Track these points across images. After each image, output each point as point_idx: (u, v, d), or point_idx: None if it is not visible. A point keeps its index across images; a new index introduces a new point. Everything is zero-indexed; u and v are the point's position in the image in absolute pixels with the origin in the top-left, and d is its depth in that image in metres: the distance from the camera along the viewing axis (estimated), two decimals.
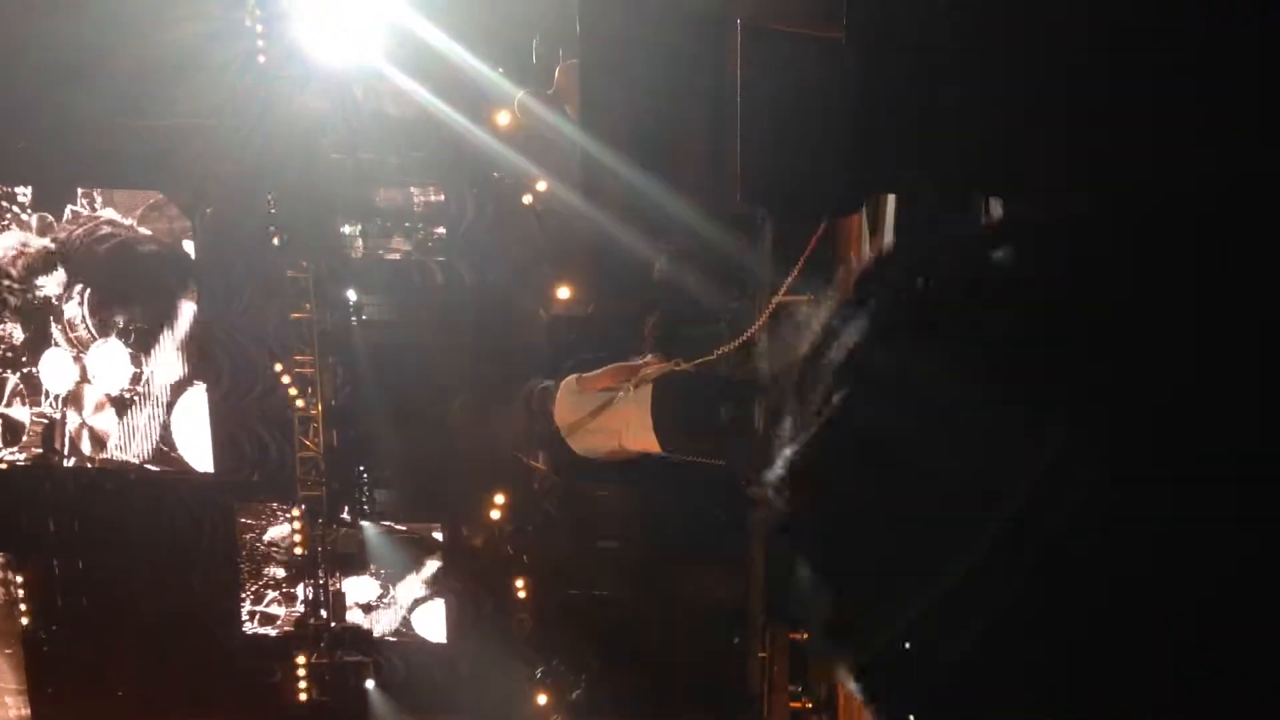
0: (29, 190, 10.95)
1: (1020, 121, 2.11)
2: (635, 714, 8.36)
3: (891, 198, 2.98)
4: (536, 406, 5.87)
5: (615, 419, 5.51)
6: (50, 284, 11.18)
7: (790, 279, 5.42)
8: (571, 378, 5.75)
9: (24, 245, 11.04)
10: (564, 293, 8.58)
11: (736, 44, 3.33)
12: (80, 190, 10.90)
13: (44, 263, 11.09)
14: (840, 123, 2.63)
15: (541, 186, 8.76)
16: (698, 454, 5.80)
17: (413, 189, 10.69)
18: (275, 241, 10.52)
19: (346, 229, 10.84)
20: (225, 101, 10.13)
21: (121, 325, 11.19)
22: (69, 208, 10.95)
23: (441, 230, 10.72)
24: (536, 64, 8.78)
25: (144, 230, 10.93)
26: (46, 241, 11.03)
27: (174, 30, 9.79)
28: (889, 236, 3.04)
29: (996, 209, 2.36)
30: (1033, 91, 1.96)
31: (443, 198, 10.63)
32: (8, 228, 11.04)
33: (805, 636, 6.60)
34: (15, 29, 9.79)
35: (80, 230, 11.00)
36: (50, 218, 10.99)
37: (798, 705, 6.01)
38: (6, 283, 11.14)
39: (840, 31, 3.09)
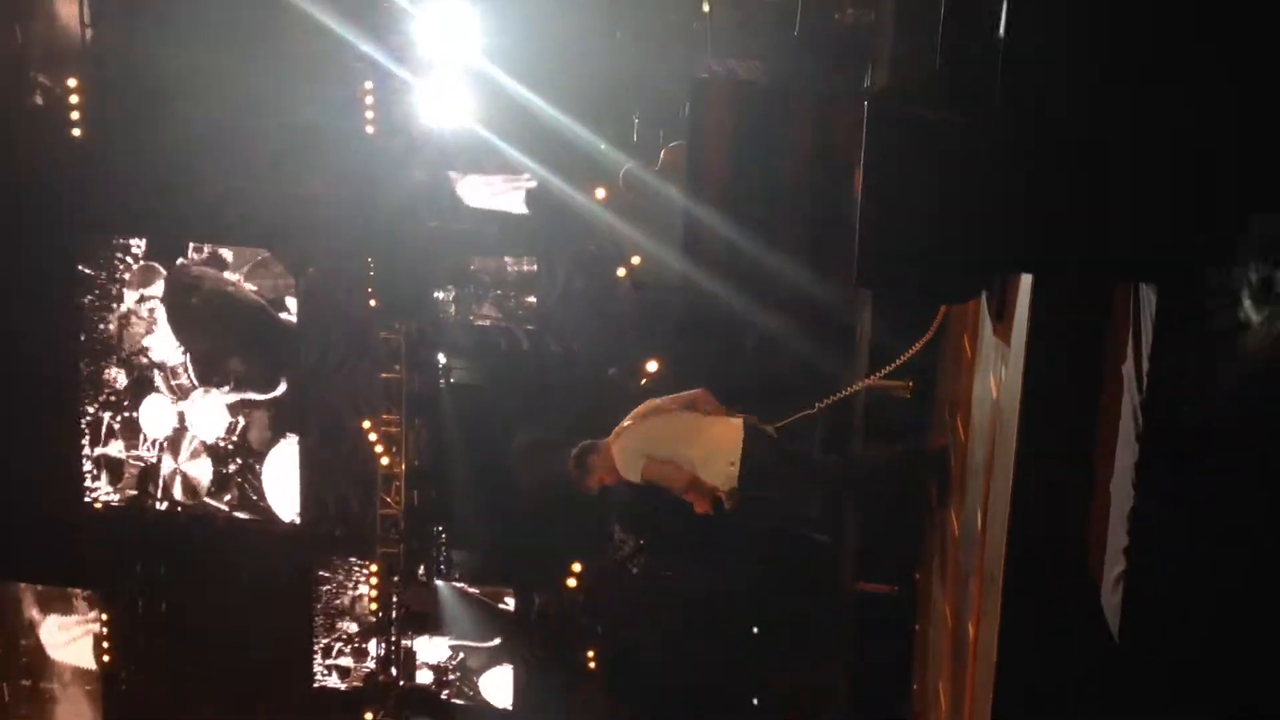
0: (143, 242, 11.43)
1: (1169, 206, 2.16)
2: None
3: (1026, 281, 3.02)
4: (578, 462, 5.68)
5: (698, 446, 5.42)
6: (157, 332, 11.59)
7: (894, 364, 5.47)
8: (649, 403, 5.69)
9: (138, 295, 11.50)
10: (653, 366, 8.68)
11: (861, 127, 3.39)
12: (191, 245, 11.35)
13: (152, 312, 11.53)
14: (978, 206, 2.70)
15: (636, 260, 8.93)
16: (774, 505, 5.76)
17: (507, 259, 10.97)
18: (372, 303, 10.84)
19: (440, 294, 11.12)
20: (333, 171, 10.55)
21: (221, 376, 11.54)
22: (179, 260, 11.40)
23: (532, 299, 10.95)
24: (637, 141, 9.03)
25: (250, 285, 11.33)
26: (155, 289, 11.47)
27: (287, 102, 10.30)
28: (1024, 321, 3.07)
29: (1148, 295, 2.41)
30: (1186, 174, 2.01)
31: (535, 268, 10.88)
32: (123, 277, 11.51)
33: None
34: (155, 102, 10.36)
35: (189, 281, 11.43)
36: (161, 269, 11.45)
37: None
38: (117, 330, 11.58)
39: (965, 116, 3.17)
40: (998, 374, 3.75)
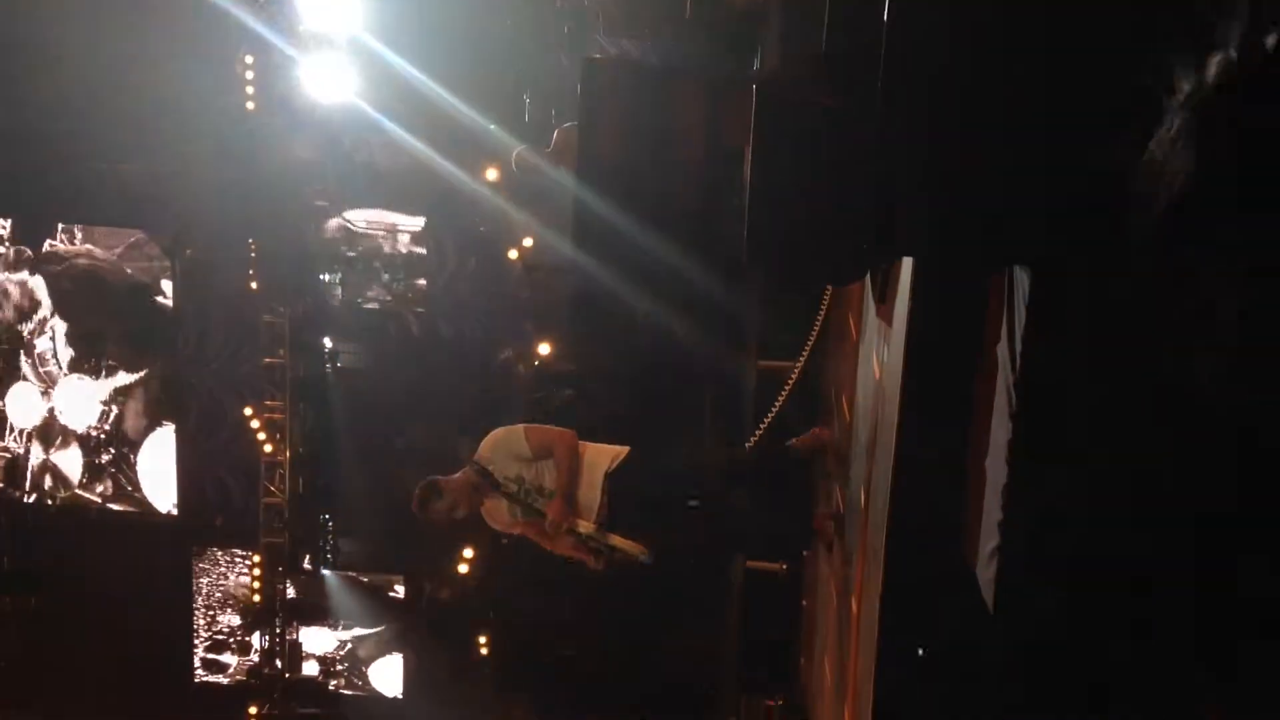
0: (8, 223, 10.90)
1: (1041, 192, 2.22)
2: None
3: (907, 264, 3.08)
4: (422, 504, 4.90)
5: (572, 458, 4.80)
6: (24, 317, 11.09)
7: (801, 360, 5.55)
8: (519, 427, 4.95)
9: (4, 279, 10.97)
10: (545, 348, 8.64)
11: (750, 112, 3.43)
12: (60, 226, 10.87)
13: (18, 295, 11.01)
14: (860, 190, 2.74)
15: (528, 242, 8.86)
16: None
17: (396, 239, 10.77)
18: (254, 286, 10.54)
19: (326, 277, 10.88)
20: (211, 147, 10.20)
21: (93, 362, 11.10)
22: (48, 242, 10.91)
23: (422, 281, 10.79)
24: (529, 120, 8.94)
25: (124, 268, 10.90)
26: (23, 274, 10.96)
27: (160, 76, 9.89)
28: (904, 305, 3.14)
29: (1022, 278, 2.48)
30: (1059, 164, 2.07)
31: (424, 250, 10.72)
32: None
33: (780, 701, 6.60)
34: (17, 75, 9.85)
35: (58, 264, 10.95)
36: (28, 251, 10.94)
37: None
38: None
39: (852, 101, 3.22)
40: (881, 355, 3.83)
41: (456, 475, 4.89)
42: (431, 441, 10.02)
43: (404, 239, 10.70)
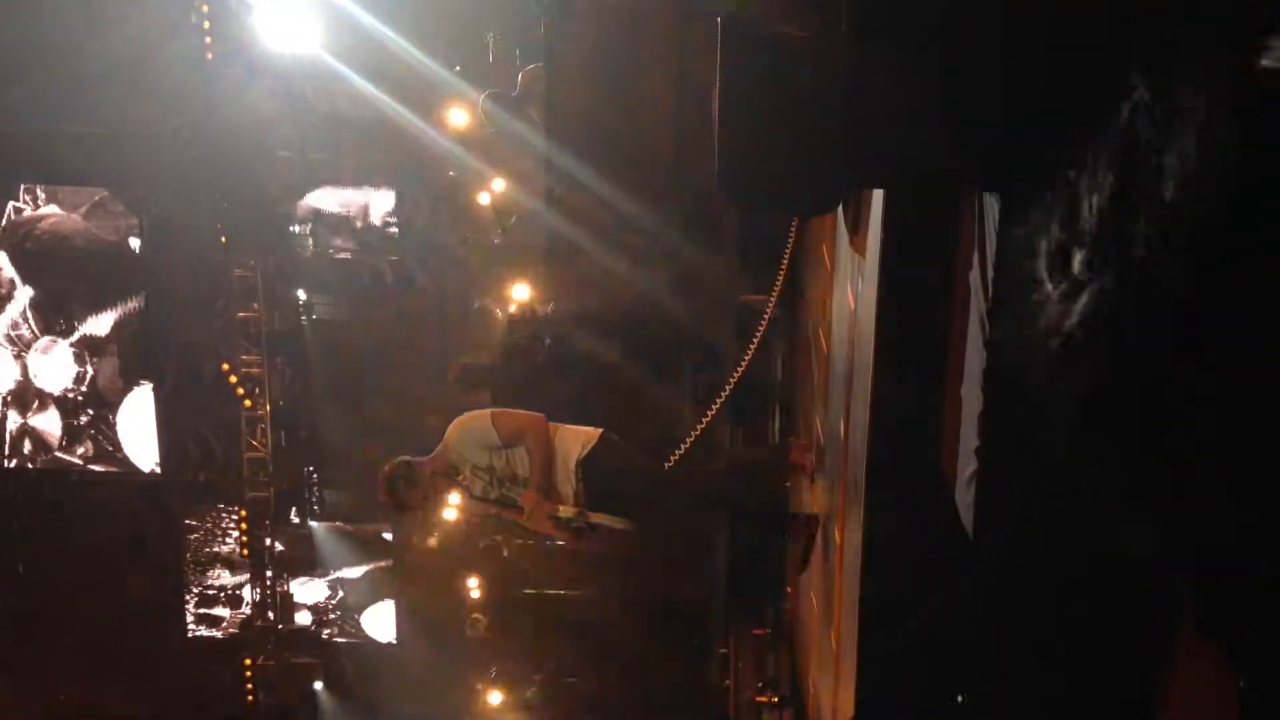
0: None
1: (1020, 118, 2.21)
2: (592, 713, 8.41)
3: (879, 194, 3.07)
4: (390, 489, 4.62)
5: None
6: None
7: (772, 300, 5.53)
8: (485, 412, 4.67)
9: None
10: (522, 291, 8.60)
11: (716, 43, 3.39)
12: (23, 186, 10.68)
13: None
14: (830, 120, 2.72)
15: (499, 186, 8.77)
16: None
17: (365, 188, 10.66)
18: (223, 240, 10.42)
19: (296, 228, 10.76)
20: (170, 99, 10.01)
21: (64, 324, 10.98)
22: (10, 204, 10.72)
23: (394, 230, 10.70)
24: (494, 63, 8.81)
25: (90, 227, 10.75)
26: None
27: (114, 30, 9.65)
28: (877, 233, 3.13)
29: (991, 204, 2.48)
30: (1034, 89, 2.06)
31: (394, 198, 10.62)
32: None
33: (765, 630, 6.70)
34: None
35: (22, 227, 10.78)
36: None
37: (763, 700, 6.10)
38: None
39: (820, 31, 3.19)
40: (855, 286, 3.83)
41: (427, 460, 4.58)
42: (408, 393, 10.01)
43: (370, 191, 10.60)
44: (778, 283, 5.48)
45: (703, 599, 8.48)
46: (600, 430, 4.67)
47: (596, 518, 4.56)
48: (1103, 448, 2.73)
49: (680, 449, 5.16)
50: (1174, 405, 2.17)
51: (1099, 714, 2.87)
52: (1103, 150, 2.18)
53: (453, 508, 4.60)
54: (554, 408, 5.67)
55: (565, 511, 4.50)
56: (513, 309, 8.63)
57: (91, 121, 10.04)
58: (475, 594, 9.89)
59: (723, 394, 5.65)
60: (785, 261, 5.28)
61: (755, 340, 5.73)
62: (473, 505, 4.73)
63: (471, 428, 4.56)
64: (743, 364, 5.67)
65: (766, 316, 5.73)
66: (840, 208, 3.75)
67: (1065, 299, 2.60)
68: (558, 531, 4.65)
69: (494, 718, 9.43)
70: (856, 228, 3.59)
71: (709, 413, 5.54)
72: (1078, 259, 2.53)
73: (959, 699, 3.20)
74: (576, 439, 4.62)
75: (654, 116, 6.06)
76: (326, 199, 10.59)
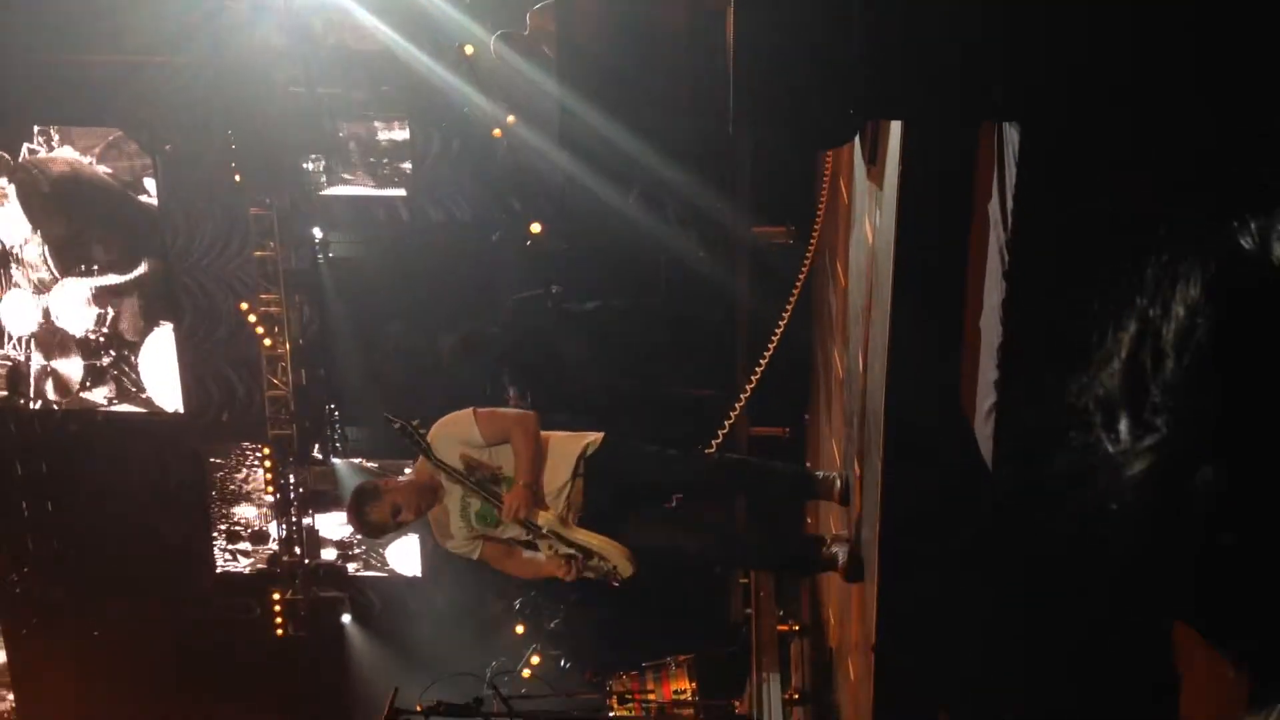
0: None
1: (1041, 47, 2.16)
2: (615, 645, 8.53)
3: (896, 125, 3.02)
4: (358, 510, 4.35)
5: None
6: (9, 223, 10.96)
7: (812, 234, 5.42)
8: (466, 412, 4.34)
9: None
10: (537, 227, 8.56)
11: None
12: (37, 128, 10.65)
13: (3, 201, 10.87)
14: (847, 48, 2.66)
15: (511, 119, 8.69)
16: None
17: (377, 124, 10.57)
18: (237, 179, 10.38)
19: (309, 165, 10.70)
20: (176, 34, 9.89)
21: (84, 266, 11.03)
22: (25, 146, 10.70)
23: (407, 166, 10.62)
24: None
25: (104, 169, 10.73)
26: (3, 180, 10.79)
27: None
28: (895, 164, 3.08)
29: (1011, 134, 2.43)
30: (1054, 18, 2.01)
31: (407, 133, 10.52)
32: None
33: None
34: None
35: (38, 169, 10.77)
36: (7, 156, 10.74)
37: (784, 628, 6.17)
38: None
39: None
40: (873, 218, 3.79)
41: (401, 479, 4.42)
42: (426, 330, 10.02)
43: (382, 127, 10.50)
44: (816, 225, 5.31)
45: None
46: (604, 434, 4.39)
47: (581, 535, 4.21)
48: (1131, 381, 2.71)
49: (717, 437, 5.03)
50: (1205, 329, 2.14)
51: (1120, 643, 2.89)
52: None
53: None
54: (563, 377, 5.57)
55: (544, 519, 4.19)
56: (529, 243, 8.58)
57: (100, 58, 9.96)
58: None
59: (762, 362, 5.44)
60: (824, 192, 5.12)
61: (795, 295, 5.53)
62: (446, 527, 4.34)
63: (451, 426, 4.26)
64: (780, 326, 5.50)
65: (806, 264, 5.54)
66: (857, 139, 3.70)
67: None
68: (547, 568, 4.32)
69: (519, 648, 9.58)
70: (874, 159, 3.53)
71: (746, 390, 5.37)
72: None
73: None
74: (577, 441, 4.37)
75: (669, 55, 5.94)
76: (339, 135, 10.51)
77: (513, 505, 4.15)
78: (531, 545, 4.39)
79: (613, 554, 4.24)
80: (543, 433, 4.31)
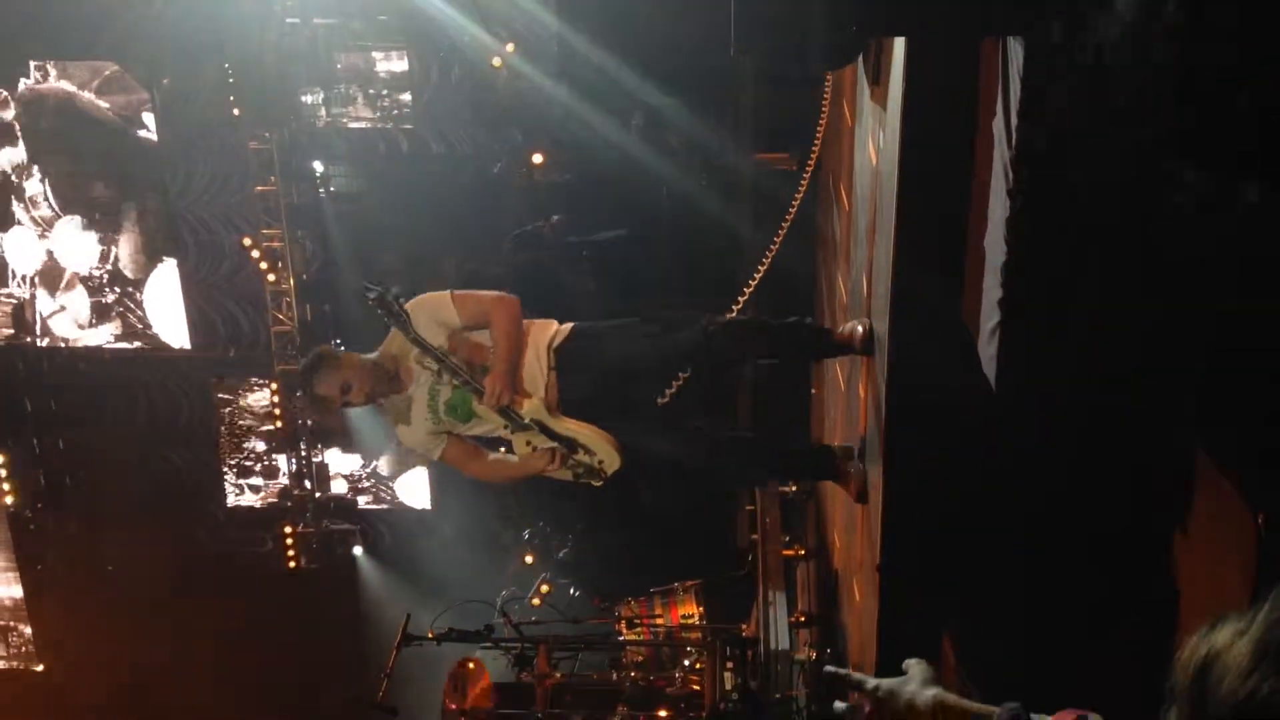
0: None
1: None
2: (623, 572, 8.64)
3: (900, 43, 2.98)
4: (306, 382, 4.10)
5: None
6: (8, 159, 10.90)
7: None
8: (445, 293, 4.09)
9: None
10: (538, 158, 8.49)
11: None
12: (33, 63, 10.54)
13: (1, 138, 10.79)
14: None
15: (510, 48, 8.59)
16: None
17: (375, 55, 10.44)
18: (235, 113, 10.29)
19: (308, 98, 10.59)
20: None
21: (85, 201, 10.99)
22: (22, 81, 10.60)
23: (407, 97, 10.51)
24: None
25: (102, 103, 10.63)
26: (6, 109, 10.70)
27: None
28: (899, 84, 3.04)
29: (1015, 49, 2.39)
30: None
31: (406, 64, 10.40)
32: None
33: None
34: None
35: (36, 104, 10.67)
36: (4, 92, 10.65)
37: (790, 553, 6.24)
38: None
39: None
40: (877, 139, 3.76)
41: (364, 356, 4.10)
42: (427, 261, 10.00)
43: (380, 57, 10.36)
44: (814, 148, 5.22)
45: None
46: (572, 324, 4.15)
47: (568, 425, 3.96)
48: (1135, 298, 2.71)
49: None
50: (1205, 251, 2.14)
51: (1121, 557, 2.92)
52: None
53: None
54: (564, 297, 5.44)
55: (529, 406, 3.92)
56: (530, 173, 8.52)
57: None
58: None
59: (752, 283, 5.13)
60: (823, 114, 5.04)
61: (789, 218, 5.38)
62: (410, 423, 4.07)
63: (426, 306, 3.98)
64: (774, 246, 5.37)
65: (801, 189, 5.42)
66: (860, 59, 3.65)
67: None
68: (528, 465, 4.04)
69: (528, 577, 9.70)
70: (877, 79, 3.49)
71: (735, 305, 4.97)
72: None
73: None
74: (546, 329, 4.12)
75: None
76: (337, 66, 10.38)
77: (495, 388, 3.85)
78: (503, 443, 4.13)
79: (599, 445, 4.00)
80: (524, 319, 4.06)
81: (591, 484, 4.18)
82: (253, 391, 11.57)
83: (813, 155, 5.24)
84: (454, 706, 6.31)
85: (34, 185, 10.94)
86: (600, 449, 4.04)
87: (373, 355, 4.13)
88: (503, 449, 4.28)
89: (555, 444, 4.00)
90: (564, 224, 8.03)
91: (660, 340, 4.15)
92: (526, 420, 3.94)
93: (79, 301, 11.28)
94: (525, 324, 4.07)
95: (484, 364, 3.98)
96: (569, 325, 4.16)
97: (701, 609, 7.32)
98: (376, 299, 3.94)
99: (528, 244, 8.39)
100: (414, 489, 11.64)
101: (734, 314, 4.91)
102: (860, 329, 4.11)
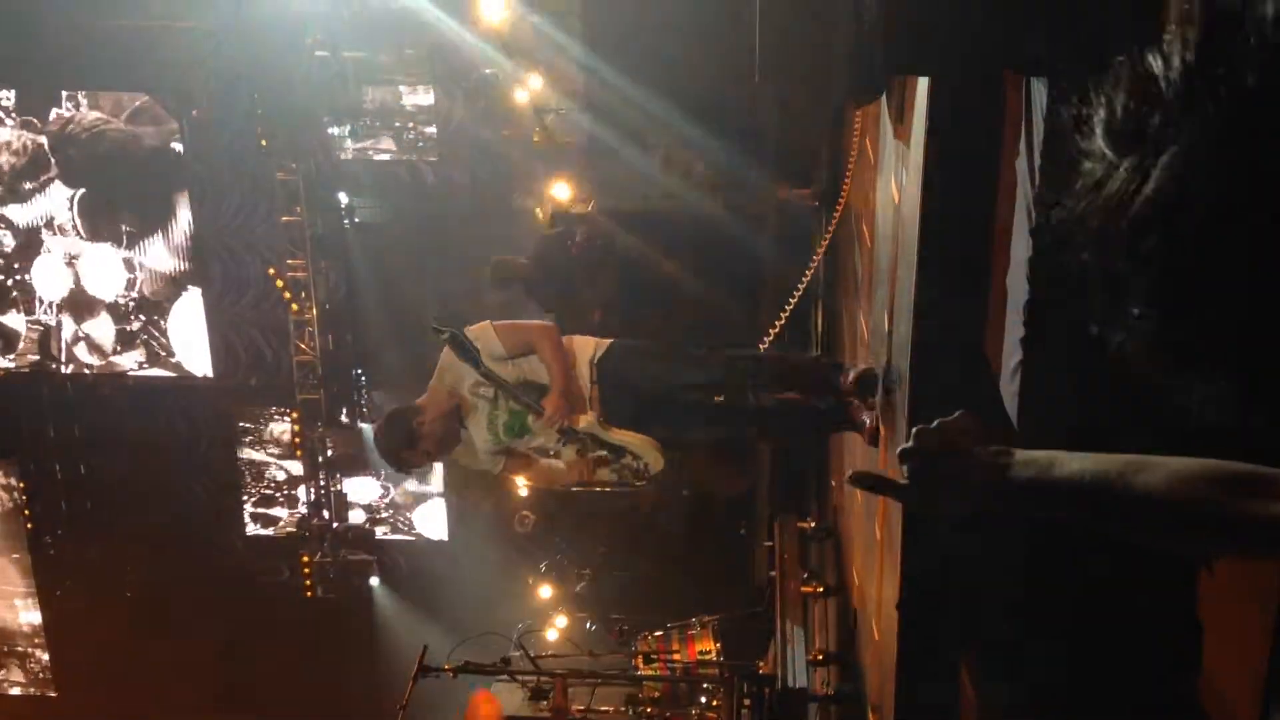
0: (12, 94, 10.74)
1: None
2: (641, 606, 8.59)
3: (923, 83, 3.00)
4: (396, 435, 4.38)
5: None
6: (39, 188, 11.05)
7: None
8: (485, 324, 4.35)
9: (11, 147, 10.88)
10: (562, 190, 8.52)
11: None
12: (65, 94, 10.71)
13: (32, 166, 10.95)
14: (871, 3, 2.64)
15: (536, 84, 8.66)
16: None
17: (401, 88, 10.56)
18: (262, 143, 10.41)
19: (335, 130, 10.72)
20: None
21: (112, 230, 11.12)
22: (54, 111, 10.77)
23: (432, 129, 10.62)
24: None
25: (132, 133, 10.79)
26: (37, 139, 10.86)
27: None
28: (922, 122, 3.06)
29: (1039, 90, 2.41)
30: None
31: (432, 97, 10.52)
32: None
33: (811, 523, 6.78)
34: None
35: (67, 134, 10.84)
36: (36, 121, 10.82)
37: (808, 590, 6.19)
38: None
39: None
40: (899, 178, 3.77)
41: (422, 404, 4.34)
42: (450, 292, 10.05)
43: (407, 90, 10.49)
44: (846, 180, 5.25)
45: (748, 492, 8.59)
46: (611, 340, 4.46)
47: (617, 435, 4.26)
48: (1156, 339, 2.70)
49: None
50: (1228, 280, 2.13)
51: (1145, 592, 2.89)
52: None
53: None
54: (587, 307, 5.50)
55: (585, 421, 4.24)
56: (551, 207, 8.57)
57: (130, 24, 9.99)
58: (524, 491, 10.06)
59: (786, 308, 5.36)
60: (853, 151, 5.07)
61: (823, 246, 5.49)
62: (473, 444, 4.34)
63: (474, 339, 4.23)
64: (807, 273, 5.48)
65: (835, 220, 5.51)
66: (884, 97, 3.67)
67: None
68: (572, 474, 4.38)
69: (545, 610, 9.66)
70: (901, 117, 3.51)
71: (770, 331, 5.25)
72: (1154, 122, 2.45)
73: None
74: (586, 345, 4.43)
75: (694, 12, 5.91)
76: (364, 98, 10.51)
77: (556, 412, 4.19)
78: (548, 454, 4.48)
79: (646, 450, 4.32)
80: (564, 338, 4.41)
81: (634, 484, 4.46)
82: (274, 420, 11.62)
83: (844, 191, 5.29)
84: None
85: (63, 213, 11.08)
86: (647, 454, 4.35)
87: (429, 408, 4.33)
88: (551, 453, 4.57)
89: (604, 451, 4.30)
90: (587, 244, 8.07)
91: (679, 365, 4.45)
92: (580, 434, 4.26)
93: (104, 328, 11.39)
94: (566, 340, 4.38)
95: (526, 380, 4.28)
96: (608, 341, 4.47)
97: (719, 645, 7.27)
98: (449, 339, 4.24)
99: (551, 248, 8.42)
100: (431, 519, 11.64)
101: (765, 344, 5.11)
102: (853, 374, 4.37)
